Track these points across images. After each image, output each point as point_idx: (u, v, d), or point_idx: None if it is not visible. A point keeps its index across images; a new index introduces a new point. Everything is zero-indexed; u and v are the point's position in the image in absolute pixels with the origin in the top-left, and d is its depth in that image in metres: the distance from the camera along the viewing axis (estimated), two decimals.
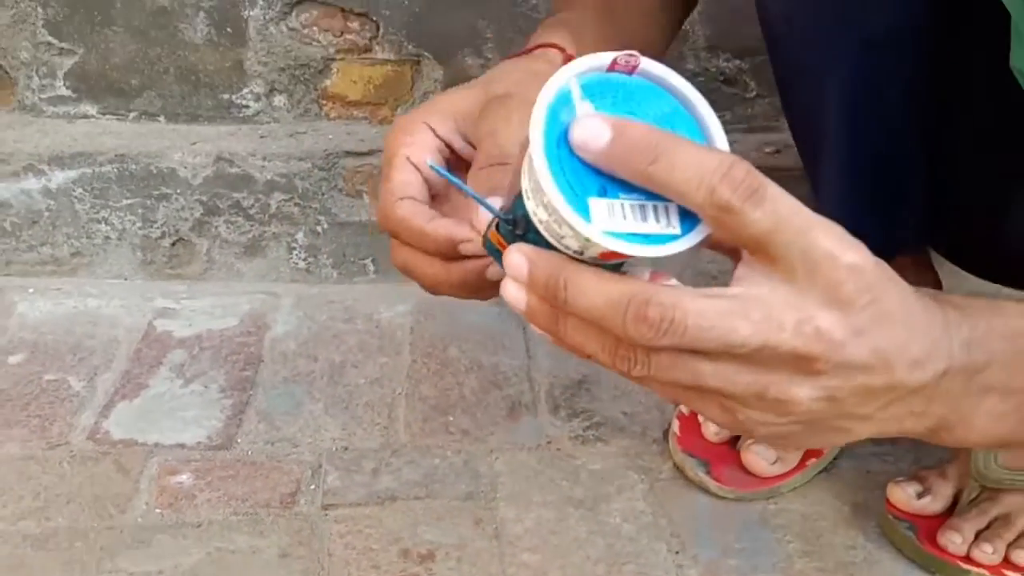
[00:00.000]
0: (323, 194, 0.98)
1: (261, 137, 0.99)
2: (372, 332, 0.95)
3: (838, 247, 0.29)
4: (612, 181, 0.30)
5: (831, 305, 0.29)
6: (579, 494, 0.75)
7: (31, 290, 0.98)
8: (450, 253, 0.39)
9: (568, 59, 0.47)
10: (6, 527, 0.70)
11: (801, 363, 0.29)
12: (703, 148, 0.29)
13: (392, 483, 0.76)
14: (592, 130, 0.29)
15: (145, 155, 0.96)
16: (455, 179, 0.37)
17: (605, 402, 0.87)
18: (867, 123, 0.60)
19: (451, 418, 0.83)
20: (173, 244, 0.99)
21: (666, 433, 0.80)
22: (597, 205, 0.30)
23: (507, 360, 0.90)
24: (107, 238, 0.98)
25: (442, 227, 0.38)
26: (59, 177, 0.95)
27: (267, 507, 0.73)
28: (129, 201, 0.97)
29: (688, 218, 0.31)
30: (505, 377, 0.88)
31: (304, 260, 1.01)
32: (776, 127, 1.02)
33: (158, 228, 0.98)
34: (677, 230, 0.30)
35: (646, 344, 0.29)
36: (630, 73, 0.32)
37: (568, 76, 0.31)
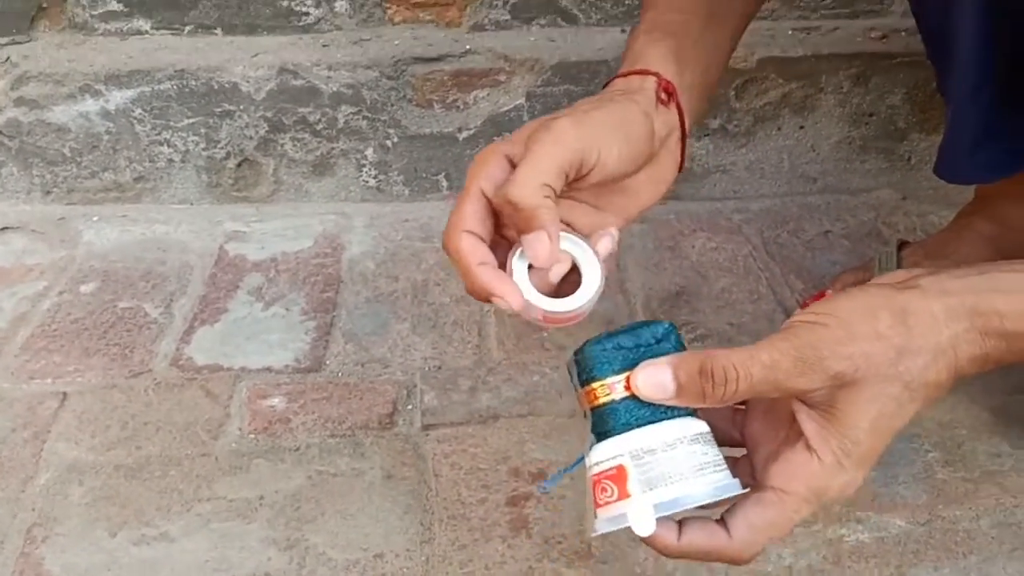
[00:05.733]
0: (392, 105, 0.92)
1: (323, 46, 0.93)
2: None
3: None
4: None
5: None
6: None
7: (96, 218, 0.94)
8: (483, 297, 0.42)
9: (662, 86, 0.46)
10: (96, 457, 0.67)
11: None
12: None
13: (492, 401, 0.71)
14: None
15: (204, 70, 0.90)
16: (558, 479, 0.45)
17: (708, 314, 0.81)
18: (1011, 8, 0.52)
19: (545, 334, 0.78)
20: (239, 165, 0.94)
21: None
22: None
23: None
24: (170, 160, 0.94)
25: (484, 275, 0.41)
26: (117, 97, 0.90)
27: (365, 429, 0.69)
28: (191, 120, 0.92)
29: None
30: None
31: (375, 178, 0.96)
32: (880, 11, 0.93)
33: (222, 148, 0.93)
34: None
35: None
36: None
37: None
